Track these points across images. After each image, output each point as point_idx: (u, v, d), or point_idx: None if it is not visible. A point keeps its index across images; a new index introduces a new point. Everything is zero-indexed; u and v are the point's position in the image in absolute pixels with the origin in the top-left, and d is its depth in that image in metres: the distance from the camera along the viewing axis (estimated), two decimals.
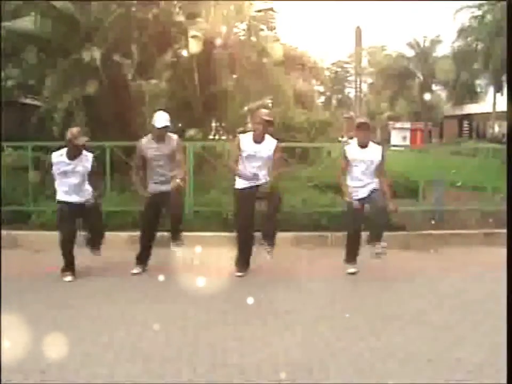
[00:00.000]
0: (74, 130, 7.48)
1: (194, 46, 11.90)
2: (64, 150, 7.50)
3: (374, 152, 7.84)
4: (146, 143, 7.79)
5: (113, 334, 5.57)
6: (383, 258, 7.68)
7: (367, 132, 7.89)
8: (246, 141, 7.70)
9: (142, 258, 7.93)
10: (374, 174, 7.82)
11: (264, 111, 8.04)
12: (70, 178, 7.49)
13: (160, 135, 7.73)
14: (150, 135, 7.85)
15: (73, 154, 7.45)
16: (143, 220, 8.08)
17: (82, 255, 7.73)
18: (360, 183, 7.77)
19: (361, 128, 7.86)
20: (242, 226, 7.78)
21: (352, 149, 7.87)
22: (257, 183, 7.61)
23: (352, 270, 7.93)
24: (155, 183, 7.76)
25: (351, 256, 7.99)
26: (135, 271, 7.81)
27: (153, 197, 7.72)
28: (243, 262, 7.81)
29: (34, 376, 4.60)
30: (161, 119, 7.71)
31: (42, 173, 10.11)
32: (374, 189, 7.77)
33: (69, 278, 7.45)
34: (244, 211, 7.73)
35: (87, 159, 7.60)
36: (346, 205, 7.91)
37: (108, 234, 8.26)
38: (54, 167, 7.50)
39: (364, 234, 7.94)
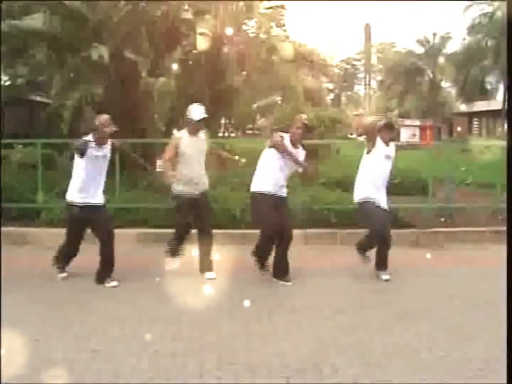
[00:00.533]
0: (103, 118, 7.06)
1: (202, 43, 11.89)
2: (89, 138, 7.04)
3: (393, 150, 7.76)
4: (182, 137, 7.41)
5: (121, 331, 5.58)
6: (392, 255, 7.64)
7: (391, 133, 7.72)
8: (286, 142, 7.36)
9: (174, 251, 7.71)
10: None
11: (303, 115, 7.79)
12: (101, 164, 7.12)
13: (197, 128, 7.45)
14: (184, 130, 7.50)
15: (101, 142, 7.05)
16: (180, 224, 7.69)
17: (90, 251, 7.71)
18: (380, 184, 7.60)
19: (387, 128, 7.65)
20: (269, 234, 7.32)
21: (383, 145, 7.61)
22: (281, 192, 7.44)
23: (386, 276, 7.61)
24: (186, 183, 7.36)
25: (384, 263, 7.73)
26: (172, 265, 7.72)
27: (188, 200, 7.37)
28: (264, 260, 7.63)
29: (42, 372, 4.60)
30: (198, 111, 7.40)
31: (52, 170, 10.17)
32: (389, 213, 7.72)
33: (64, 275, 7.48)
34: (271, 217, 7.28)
35: (108, 149, 7.25)
36: (371, 205, 7.59)
37: (117, 231, 8.25)
38: (87, 152, 6.91)
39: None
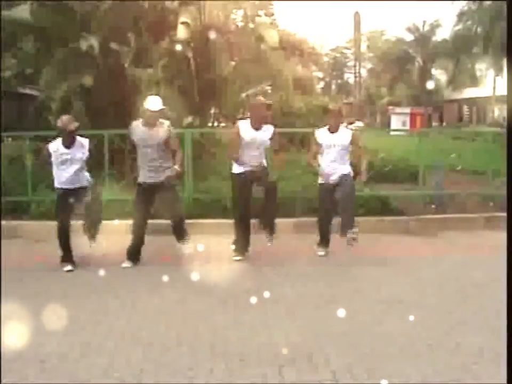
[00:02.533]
0: (64, 117, 7.42)
1: (183, 33, 11.88)
2: (59, 140, 7.45)
3: (344, 136, 7.95)
4: (135, 127, 7.57)
5: (113, 323, 5.58)
6: (384, 243, 7.66)
7: (338, 119, 8.02)
8: (244, 128, 7.69)
9: (132, 252, 7.72)
10: (345, 158, 7.98)
11: (259, 97, 8.01)
12: (69, 167, 7.41)
13: (152, 119, 7.46)
14: (141, 119, 7.60)
15: (68, 142, 7.38)
16: (137, 210, 7.77)
17: (80, 244, 7.70)
18: (331, 168, 7.85)
19: (332, 114, 8.01)
20: (241, 211, 7.79)
21: (323, 134, 7.98)
22: (254, 168, 7.61)
23: (321, 252, 8.15)
24: (147, 170, 7.56)
25: (324, 240, 8.22)
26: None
27: (146, 186, 7.59)
28: (242, 246, 7.81)
29: (34, 365, 4.59)
30: (155, 102, 7.47)
31: (41, 163, 10.11)
32: (344, 174, 7.84)
33: (68, 268, 7.43)
34: (242, 195, 7.73)
35: (82, 145, 7.52)
36: (319, 188, 8.12)
37: (107, 223, 8.25)
38: (53, 157, 7.41)
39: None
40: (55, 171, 7.52)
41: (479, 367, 4.58)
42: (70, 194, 7.44)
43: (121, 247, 7.73)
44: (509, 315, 4.39)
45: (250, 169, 7.62)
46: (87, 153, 7.53)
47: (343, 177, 7.79)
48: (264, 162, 7.84)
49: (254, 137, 7.64)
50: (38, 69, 12.45)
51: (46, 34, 12.16)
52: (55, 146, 7.42)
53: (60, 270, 7.39)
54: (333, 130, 7.92)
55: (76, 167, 7.45)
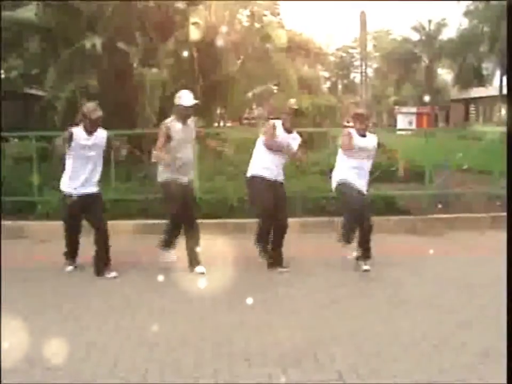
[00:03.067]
0: (90, 104, 7.06)
1: (195, 33, 11.86)
2: (79, 127, 7.01)
3: (372, 141, 7.57)
4: (172, 124, 7.13)
5: (118, 323, 5.57)
6: (390, 243, 7.63)
7: (368, 122, 7.63)
8: (278, 127, 7.40)
9: (169, 243, 7.52)
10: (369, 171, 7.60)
11: (293, 100, 7.84)
12: (89, 153, 7.02)
13: (188, 114, 7.20)
14: (173, 117, 7.22)
15: (90, 129, 6.99)
16: (173, 213, 7.37)
17: (85, 243, 7.69)
18: (360, 173, 7.45)
19: (358, 117, 7.54)
20: (266, 210, 7.35)
21: (354, 135, 7.44)
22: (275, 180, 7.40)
23: (367, 267, 7.45)
24: (176, 169, 7.15)
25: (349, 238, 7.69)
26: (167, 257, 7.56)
27: (178, 186, 7.17)
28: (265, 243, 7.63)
29: (39, 365, 4.59)
30: (188, 97, 7.17)
31: (47, 163, 10.14)
32: (368, 202, 7.59)
33: (69, 269, 7.40)
34: (265, 195, 7.32)
35: (102, 136, 7.19)
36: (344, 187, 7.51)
37: (113, 223, 8.24)
38: (73, 142, 6.89)
39: None
40: (71, 162, 7.08)
41: (485, 367, 4.57)
42: (79, 196, 7.11)
43: (127, 247, 7.74)
44: (509, 315, 4.38)
45: (274, 179, 7.37)
46: (104, 145, 7.22)
47: (366, 206, 7.47)
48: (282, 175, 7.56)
49: (285, 138, 7.36)
50: (43, 69, 12.48)
51: (52, 35, 12.19)
52: (77, 130, 6.96)
53: (65, 269, 7.39)
54: (362, 133, 7.44)
55: (94, 156, 7.09)
